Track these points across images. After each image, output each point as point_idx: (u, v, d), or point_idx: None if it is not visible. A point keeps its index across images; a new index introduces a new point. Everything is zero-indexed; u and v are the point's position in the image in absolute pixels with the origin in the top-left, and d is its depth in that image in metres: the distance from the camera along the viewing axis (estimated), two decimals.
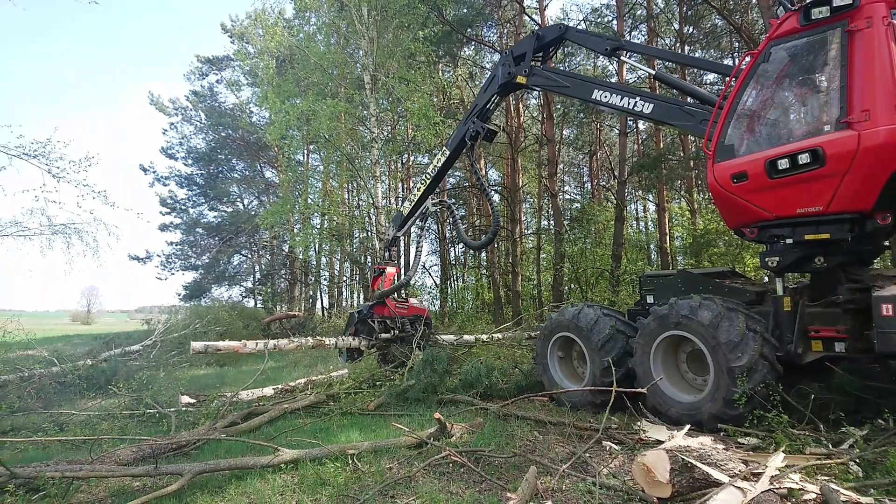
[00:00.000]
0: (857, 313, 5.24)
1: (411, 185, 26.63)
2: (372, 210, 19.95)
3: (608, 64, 23.34)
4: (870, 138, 4.72)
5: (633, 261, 20.75)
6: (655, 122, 9.08)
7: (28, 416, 7.46)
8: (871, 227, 5.11)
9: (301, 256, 29.76)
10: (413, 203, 10.39)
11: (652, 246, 24.88)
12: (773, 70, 5.58)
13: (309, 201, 23.16)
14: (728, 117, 5.80)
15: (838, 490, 3.65)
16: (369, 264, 25.91)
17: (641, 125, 24.61)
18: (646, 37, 20.51)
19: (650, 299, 7.20)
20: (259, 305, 30.74)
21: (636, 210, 31.61)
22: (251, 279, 34.58)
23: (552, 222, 21.42)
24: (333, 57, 17.82)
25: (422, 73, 18.03)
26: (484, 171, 26.14)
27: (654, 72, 7.99)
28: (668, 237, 20.46)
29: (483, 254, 28.48)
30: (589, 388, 6.56)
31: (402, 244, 21.52)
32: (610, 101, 7.29)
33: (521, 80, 8.34)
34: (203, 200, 33.78)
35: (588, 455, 4.80)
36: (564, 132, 26.22)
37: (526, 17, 20.74)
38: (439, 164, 9.89)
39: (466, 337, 12.00)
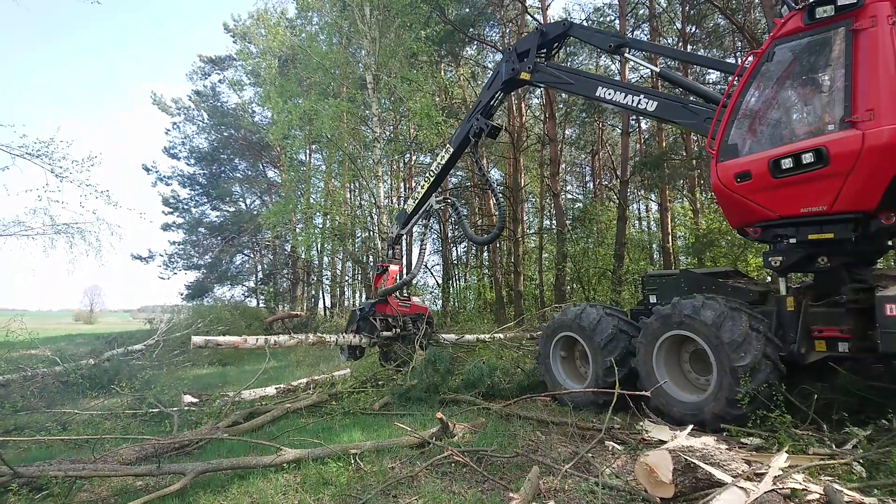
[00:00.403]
0: (861, 313, 5.22)
1: (413, 184, 26.63)
2: (374, 210, 19.96)
3: (611, 63, 23.34)
4: (874, 138, 4.70)
5: (636, 260, 20.72)
6: (659, 119, 9.06)
7: (31, 416, 7.49)
8: (874, 227, 5.08)
9: (303, 256, 29.81)
10: (417, 201, 10.39)
11: (654, 245, 24.83)
12: (777, 69, 5.56)
13: (311, 201, 23.18)
14: (732, 116, 5.79)
15: (842, 490, 3.63)
16: (371, 264, 25.94)
17: (644, 124, 24.56)
18: (648, 36, 20.46)
19: (653, 299, 7.19)
20: (261, 305, 30.78)
21: (639, 210, 31.58)
22: (253, 279, 34.68)
23: (554, 222, 21.38)
24: (336, 57, 17.83)
25: (424, 72, 18.03)
26: (487, 170, 26.12)
27: (657, 69, 7.97)
28: (670, 237, 20.41)
29: (485, 253, 28.48)
30: (591, 389, 6.54)
31: (404, 243, 21.54)
32: (614, 99, 7.26)
33: (524, 76, 8.32)
34: (205, 200, 33.85)
35: (591, 455, 4.78)
36: (567, 131, 26.18)
37: (528, 17, 20.73)
38: (443, 162, 9.89)
39: (467, 337, 11.99)
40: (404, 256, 22.79)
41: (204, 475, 4.54)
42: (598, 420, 6.02)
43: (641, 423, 5.62)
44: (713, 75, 19.62)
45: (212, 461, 4.72)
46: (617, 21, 19.47)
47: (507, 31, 23.24)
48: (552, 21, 13.36)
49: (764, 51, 5.64)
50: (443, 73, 23.34)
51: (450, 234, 27.21)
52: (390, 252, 11.29)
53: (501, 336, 12.14)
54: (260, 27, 25.74)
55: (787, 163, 5.20)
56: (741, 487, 3.52)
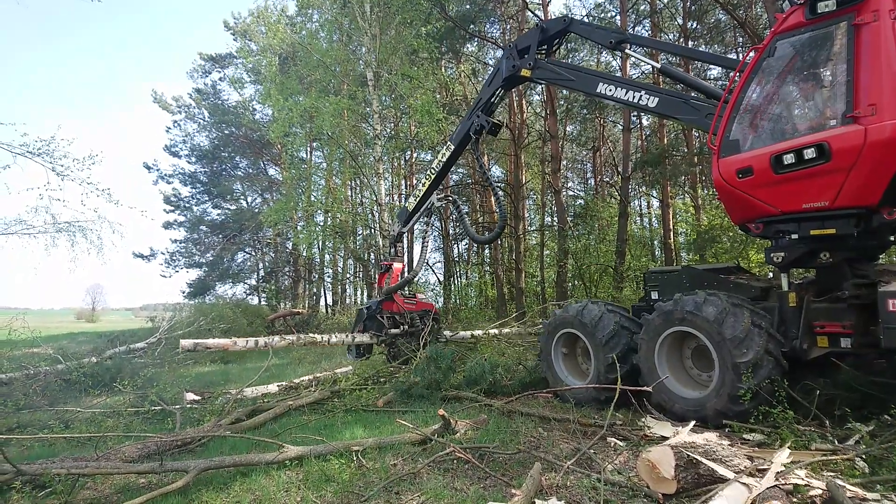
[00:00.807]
0: (863, 309, 5.21)
1: (414, 181, 26.63)
2: (375, 207, 19.99)
3: (611, 60, 23.29)
4: (876, 133, 4.68)
5: (637, 257, 20.70)
6: (660, 115, 9.05)
7: (34, 414, 7.50)
8: (877, 223, 5.06)
9: (304, 253, 29.83)
10: (418, 198, 10.37)
11: (656, 242, 24.83)
12: (779, 65, 5.53)
13: (312, 198, 23.21)
14: (733, 112, 5.77)
15: (844, 486, 3.63)
16: (373, 261, 25.95)
17: (645, 121, 24.53)
18: (649, 32, 20.41)
19: (654, 295, 7.17)
20: (263, 303, 30.82)
21: (640, 206, 31.54)
22: (255, 276, 34.69)
23: (556, 219, 21.36)
24: (336, 54, 17.83)
25: (424, 69, 18.02)
26: (488, 167, 26.09)
27: (658, 65, 7.95)
28: (672, 233, 20.39)
29: (486, 250, 28.48)
30: (593, 385, 6.54)
31: (405, 240, 21.53)
32: (615, 95, 7.24)
33: (525, 73, 8.30)
34: (207, 198, 33.86)
35: (592, 451, 4.79)
36: (568, 128, 26.15)
37: (529, 13, 20.69)
38: (444, 159, 9.87)
39: (462, 333, 11.98)
40: (405, 254, 22.79)
41: (206, 472, 4.55)
42: (599, 416, 6.02)
43: (643, 420, 5.62)
44: (714, 71, 19.58)
45: (214, 458, 4.74)
46: (618, 17, 19.46)
47: (508, 27, 23.20)
48: (553, 17, 13.35)
49: (765, 46, 5.62)
50: (443, 70, 23.29)
51: (451, 232, 27.21)
52: (392, 250, 11.29)
53: (496, 332, 12.14)
54: (260, 25, 25.77)
55: (788, 158, 5.18)
56: (743, 483, 3.52)
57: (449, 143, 9.87)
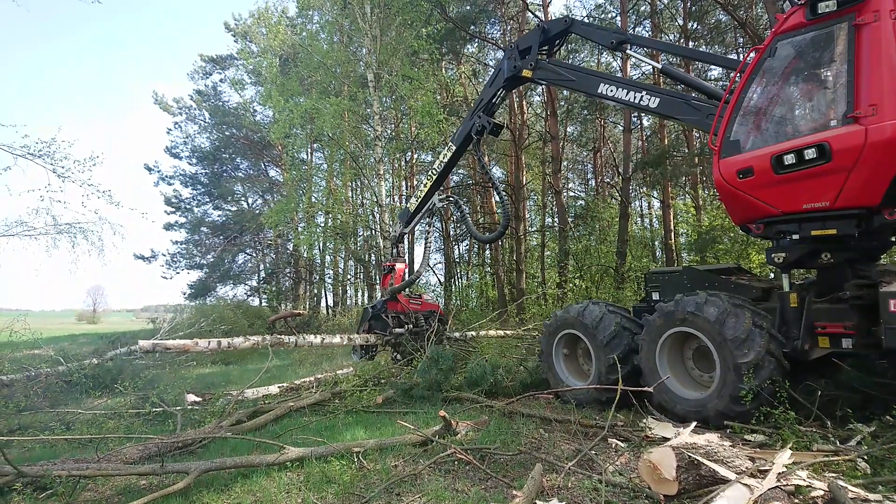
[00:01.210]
0: (865, 309, 5.19)
1: (415, 182, 26.63)
2: (376, 208, 19.99)
3: (612, 61, 23.30)
4: (877, 133, 4.68)
5: (638, 258, 20.67)
6: (661, 116, 9.03)
7: (35, 415, 7.49)
8: (878, 223, 5.06)
9: (305, 255, 29.84)
10: (419, 199, 10.37)
11: (657, 243, 24.77)
12: (779, 65, 5.53)
13: (313, 199, 23.21)
14: (734, 112, 5.77)
15: (846, 487, 3.63)
16: (373, 262, 25.95)
17: (646, 121, 24.51)
18: (650, 33, 20.42)
19: (655, 296, 7.17)
20: (264, 304, 30.82)
21: (641, 207, 31.51)
22: (256, 278, 34.68)
23: (556, 219, 21.38)
24: (336, 55, 17.83)
25: (425, 70, 18.02)
26: (489, 167, 26.09)
27: (659, 66, 7.95)
28: (672, 234, 20.36)
29: (487, 251, 28.46)
30: (594, 386, 6.54)
31: (406, 241, 21.52)
32: (616, 95, 7.24)
33: (526, 73, 8.30)
34: (207, 199, 33.87)
35: (594, 452, 4.78)
36: (568, 129, 26.15)
37: (529, 14, 20.69)
38: (445, 160, 9.87)
39: (469, 333, 11.96)
40: (406, 255, 22.79)
41: (207, 474, 4.55)
42: (601, 417, 6.03)
43: (645, 421, 5.62)
44: (715, 71, 19.57)
45: (215, 460, 4.74)
46: (618, 18, 19.44)
47: (509, 28, 23.21)
48: (553, 18, 13.35)
49: (766, 46, 5.62)
50: (444, 71, 23.31)
51: (452, 233, 27.21)
52: (394, 251, 11.30)
53: (493, 333, 12.13)
54: (261, 26, 25.76)
55: (789, 159, 5.18)
56: (745, 484, 3.52)
57: (450, 143, 9.87)
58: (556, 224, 21.81)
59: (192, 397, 7.97)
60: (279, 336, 8.97)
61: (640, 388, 5.92)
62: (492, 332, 12.19)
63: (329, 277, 32.97)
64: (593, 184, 30.55)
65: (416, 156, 27.67)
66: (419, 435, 5.31)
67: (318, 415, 7.12)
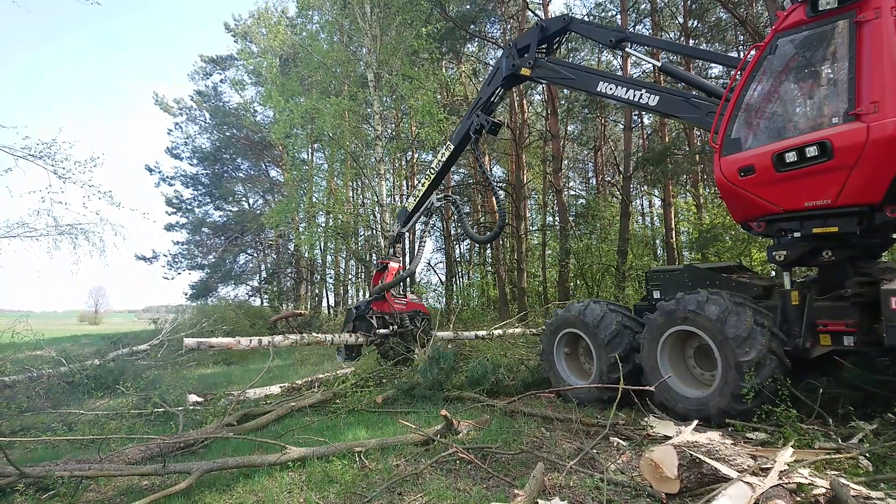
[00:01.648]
0: (866, 307, 5.19)
1: (416, 182, 26.61)
2: (376, 207, 19.98)
3: (612, 59, 23.28)
4: (878, 130, 4.66)
5: (639, 256, 20.69)
6: (661, 114, 9.01)
7: (37, 416, 7.50)
8: (879, 221, 5.04)
9: (306, 255, 29.86)
10: (418, 199, 10.35)
11: (658, 241, 24.76)
12: (780, 62, 5.52)
13: (314, 199, 23.22)
14: (735, 110, 5.75)
15: (848, 485, 3.62)
16: (374, 262, 25.93)
17: (647, 120, 24.51)
18: (650, 31, 20.40)
19: (657, 294, 7.16)
20: (265, 304, 30.84)
21: (642, 205, 31.46)
22: (257, 278, 34.75)
23: (557, 218, 21.39)
24: (337, 55, 17.83)
25: (425, 70, 18.03)
26: (489, 167, 26.10)
27: (659, 64, 7.93)
28: (674, 232, 20.36)
29: (488, 250, 28.47)
30: (596, 385, 6.53)
31: (406, 241, 21.53)
32: (615, 94, 7.22)
33: (525, 72, 8.28)
34: (208, 200, 33.93)
35: (595, 451, 4.78)
36: (569, 128, 26.15)
37: (529, 13, 20.69)
38: (444, 159, 9.85)
39: (466, 333, 11.95)
40: (406, 255, 22.80)
41: (209, 474, 4.55)
42: (602, 416, 6.02)
43: (646, 419, 5.61)
44: (716, 69, 19.54)
45: (217, 460, 4.74)
46: (618, 16, 19.45)
47: (508, 27, 23.19)
48: (553, 16, 13.34)
49: (766, 44, 5.60)
50: (444, 71, 23.31)
51: (452, 232, 27.21)
52: (391, 250, 11.25)
53: (499, 332, 12.14)
54: (261, 26, 25.78)
55: (790, 156, 5.17)
56: (747, 482, 3.51)
57: (449, 142, 9.85)
58: (557, 223, 21.81)
59: (193, 397, 7.97)
60: (315, 335, 9.13)
61: (641, 387, 5.91)
62: (496, 332, 12.19)
63: (330, 277, 33.01)
64: (594, 182, 30.54)
65: (416, 155, 27.67)
66: (421, 434, 5.31)
67: (319, 414, 7.13)
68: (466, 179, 28.99)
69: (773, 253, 5.74)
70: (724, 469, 3.72)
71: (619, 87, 7.19)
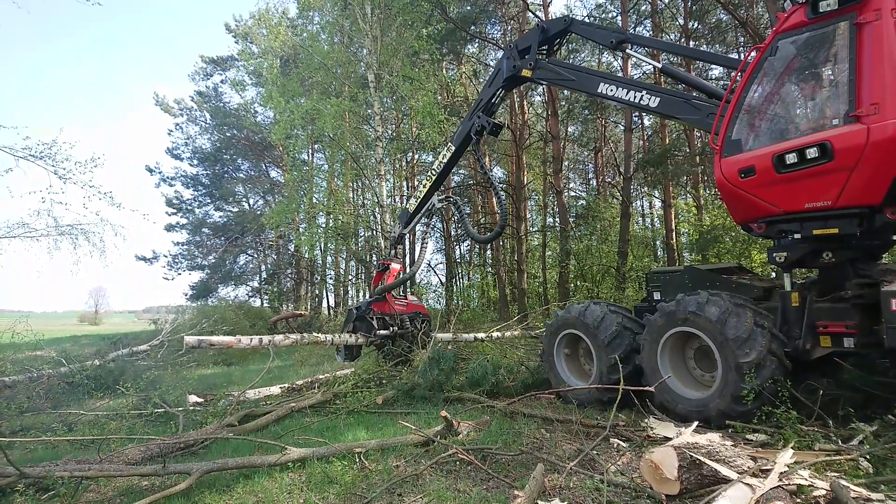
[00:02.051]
0: (866, 308, 5.19)
1: (416, 183, 26.63)
2: (377, 208, 19.99)
3: (613, 61, 23.29)
4: (879, 132, 4.66)
5: (640, 257, 20.69)
6: (662, 115, 9.02)
7: (37, 417, 7.51)
8: (880, 222, 5.04)
9: (307, 255, 29.84)
10: (419, 200, 10.35)
11: (658, 242, 24.76)
12: (780, 64, 5.52)
13: (314, 200, 23.21)
14: (735, 112, 5.75)
15: (848, 486, 3.62)
16: (374, 263, 25.93)
17: (647, 121, 24.51)
18: (650, 32, 20.40)
19: (657, 296, 7.16)
20: (265, 305, 30.84)
21: (642, 206, 31.49)
22: (257, 279, 34.76)
23: (557, 219, 21.41)
24: (337, 56, 17.83)
25: (426, 70, 18.01)
26: (490, 168, 26.10)
27: (660, 65, 7.94)
28: (674, 233, 20.36)
29: (488, 251, 28.48)
30: (596, 386, 6.53)
31: (407, 242, 21.52)
32: (616, 95, 7.23)
33: (526, 73, 8.28)
34: (209, 200, 33.94)
35: (595, 452, 4.78)
36: (569, 129, 26.13)
37: (530, 14, 20.72)
38: (444, 160, 9.86)
39: (465, 335, 11.93)
40: (407, 256, 22.79)
41: (209, 475, 4.55)
42: (602, 417, 6.02)
43: (646, 420, 5.61)
44: (716, 71, 19.56)
45: (217, 461, 4.74)
46: (619, 17, 19.45)
47: (509, 28, 23.23)
48: (553, 18, 13.35)
49: (767, 45, 5.61)
50: (444, 72, 23.32)
51: (453, 233, 27.21)
52: (392, 251, 11.24)
53: (498, 334, 12.12)
54: (261, 27, 25.77)
55: (791, 158, 5.17)
56: (747, 484, 3.51)
57: (450, 144, 9.87)
58: (557, 224, 21.82)
59: (193, 398, 7.98)
60: (315, 335, 9.13)
61: (641, 388, 5.91)
62: (495, 334, 12.17)
63: (330, 278, 32.99)
64: (594, 183, 30.54)
65: (417, 156, 27.67)
66: (421, 435, 5.31)
67: (319, 415, 7.12)
68: (467, 180, 28.99)
69: (774, 254, 5.74)
70: (724, 470, 3.72)
71: (620, 89, 7.20)
